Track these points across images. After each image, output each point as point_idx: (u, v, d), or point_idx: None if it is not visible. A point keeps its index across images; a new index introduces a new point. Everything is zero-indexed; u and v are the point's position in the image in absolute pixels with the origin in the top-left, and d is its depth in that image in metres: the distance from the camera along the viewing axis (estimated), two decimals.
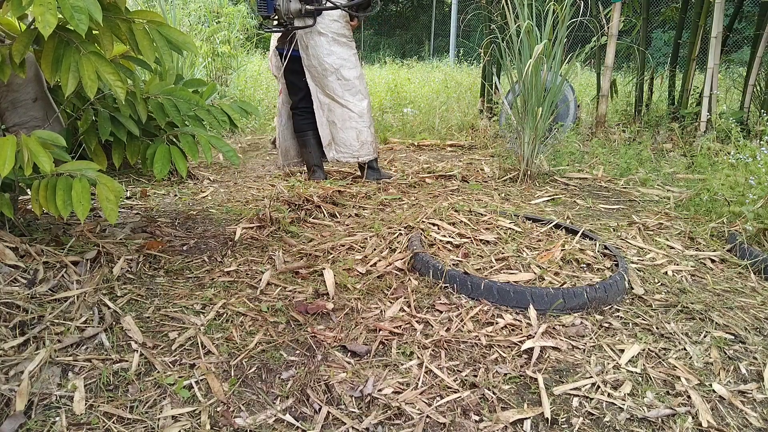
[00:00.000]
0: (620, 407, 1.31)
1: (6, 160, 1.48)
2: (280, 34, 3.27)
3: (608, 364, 1.47)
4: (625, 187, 3.27)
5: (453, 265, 1.94)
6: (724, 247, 2.28)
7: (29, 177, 1.65)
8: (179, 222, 2.45)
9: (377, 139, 3.45)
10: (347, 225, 2.52)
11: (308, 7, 3.04)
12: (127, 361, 1.42)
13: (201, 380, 1.36)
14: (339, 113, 3.25)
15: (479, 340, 1.56)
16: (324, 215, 2.64)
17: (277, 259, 2.07)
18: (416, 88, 6.72)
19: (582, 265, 1.99)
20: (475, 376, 1.41)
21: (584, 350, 1.54)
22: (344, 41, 3.18)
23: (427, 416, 1.26)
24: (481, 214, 2.40)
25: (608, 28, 4.26)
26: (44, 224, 2.12)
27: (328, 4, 3.06)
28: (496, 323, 1.64)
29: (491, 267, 1.94)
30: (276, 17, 3.07)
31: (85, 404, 1.26)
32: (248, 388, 1.36)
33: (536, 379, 1.39)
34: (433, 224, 2.28)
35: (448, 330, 1.61)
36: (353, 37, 3.29)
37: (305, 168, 3.54)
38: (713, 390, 1.38)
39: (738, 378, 1.45)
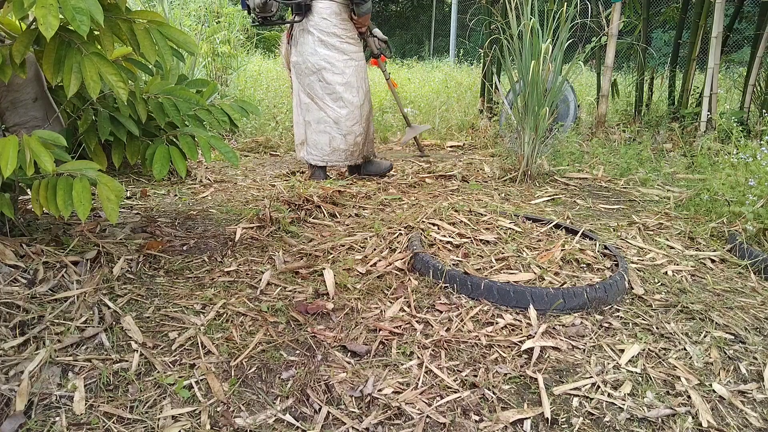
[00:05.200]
0: (620, 407, 1.31)
1: (9, 161, 1.48)
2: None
3: (608, 364, 1.47)
4: (625, 187, 3.27)
5: (453, 265, 1.94)
6: (724, 247, 2.28)
7: (29, 177, 1.65)
8: (179, 222, 2.46)
9: (365, 148, 3.37)
10: (347, 225, 2.52)
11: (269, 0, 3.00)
12: (127, 361, 1.42)
13: (201, 380, 1.36)
14: (315, 115, 3.21)
15: (479, 340, 1.56)
16: (324, 215, 2.64)
17: (277, 259, 2.07)
18: (416, 88, 6.72)
19: (582, 265, 1.99)
20: (475, 376, 1.41)
21: (584, 350, 1.54)
22: (333, 42, 3.09)
23: (427, 416, 1.26)
24: (481, 214, 2.40)
25: (608, 28, 4.26)
26: (44, 224, 2.12)
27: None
28: (496, 323, 1.64)
29: (491, 267, 1.94)
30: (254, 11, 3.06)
31: (85, 404, 1.26)
32: (248, 388, 1.36)
33: (536, 379, 1.39)
34: (433, 224, 2.28)
35: (448, 330, 1.61)
36: (353, 40, 3.18)
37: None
38: (713, 390, 1.38)
39: (738, 378, 1.45)
